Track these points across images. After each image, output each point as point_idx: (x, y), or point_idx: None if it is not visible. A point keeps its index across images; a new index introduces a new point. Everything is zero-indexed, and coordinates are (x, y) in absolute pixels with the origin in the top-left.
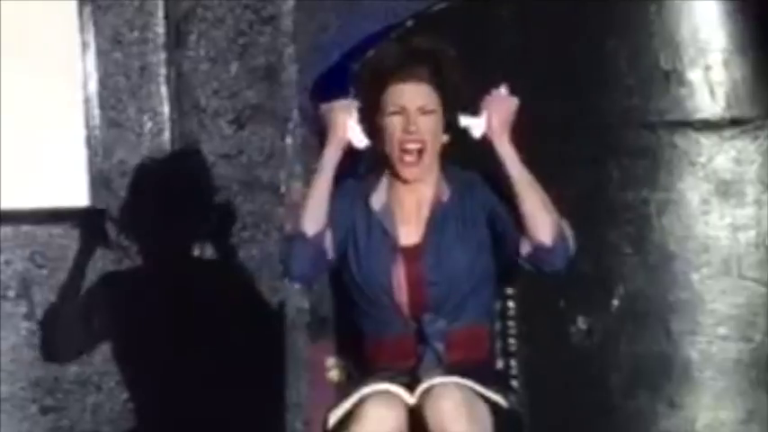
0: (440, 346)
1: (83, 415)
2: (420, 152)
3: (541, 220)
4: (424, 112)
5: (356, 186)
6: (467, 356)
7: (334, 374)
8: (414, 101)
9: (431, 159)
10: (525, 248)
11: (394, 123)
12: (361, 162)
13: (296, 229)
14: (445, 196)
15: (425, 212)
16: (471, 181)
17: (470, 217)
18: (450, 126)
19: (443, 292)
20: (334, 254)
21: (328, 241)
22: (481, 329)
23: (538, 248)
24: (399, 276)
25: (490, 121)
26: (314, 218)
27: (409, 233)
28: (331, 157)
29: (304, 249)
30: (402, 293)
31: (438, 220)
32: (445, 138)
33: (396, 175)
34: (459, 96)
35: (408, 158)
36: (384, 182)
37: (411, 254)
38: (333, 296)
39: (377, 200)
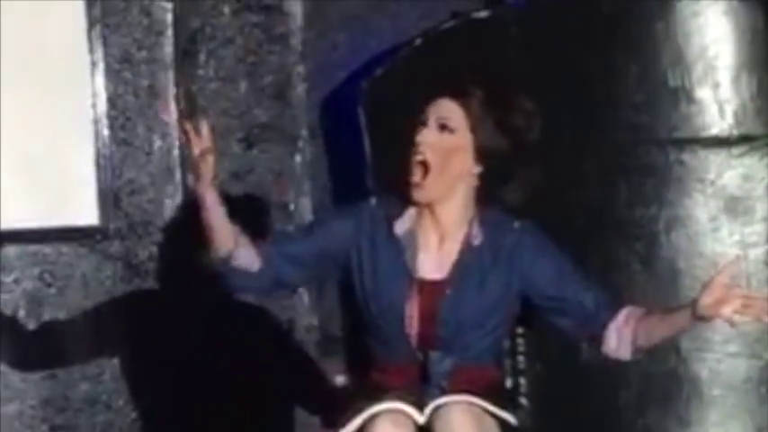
0: (444, 383)
1: None
2: (425, 169)
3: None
4: (440, 126)
5: (378, 208)
6: (472, 389)
7: (339, 379)
8: (436, 112)
9: (439, 182)
10: (608, 345)
11: (416, 135)
12: (368, 175)
13: (212, 255)
14: (477, 240)
15: (450, 248)
16: (504, 229)
17: (500, 266)
18: (484, 158)
19: (455, 332)
20: (267, 263)
21: (245, 257)
22: (489, 367)
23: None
24: (413, 308)
25: None
26: (217, 242)
27: (430, 267)
28: (204, 191)
29: (225, 268)
30: (413, 326)
31: (465, 263)
32: (476, 169)
33: (428, 219)
34: (490, 132)
35: (413, 177)
36: (411, 210)
37: (429, 289)
38: (342, 314)
39: (400, 226)
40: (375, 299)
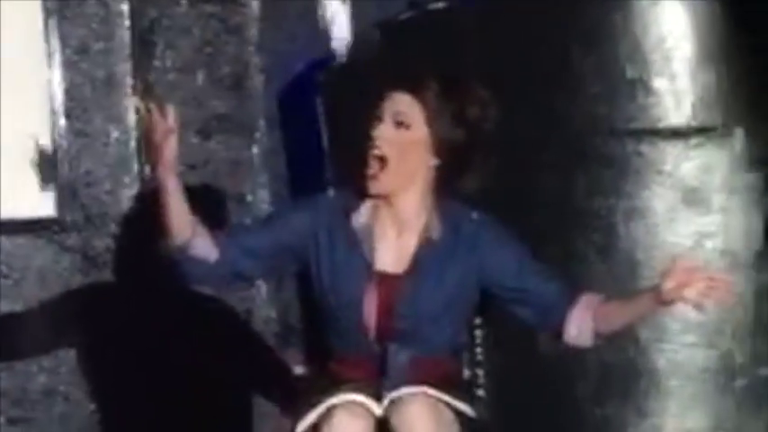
0: (402, 375)
1: (50, 426)
2: (382, 162)
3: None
4: (397, 122)
5: (336, 200)
6: (429, 382)
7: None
8: (392, 107)
9: (396, 176)
10: (568, 332)
11: (372, 130)
12: (327, 167)
13: (169, 243)
14: (435, 233)
15: (408, 242)
16: (461, 221)
17: (453, 258)
18: (441, 151)
19: (413, 326)
20: (224, 255)
21: (203, 247)
22: (446, 360)
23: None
24: (371, 301)
25: None
26: (175, 229)
27: (388, 260)
28: (165, 176)
29: (181, 257)
30: (371, 318)
31: (424, 257)
32: (432, 161)
33: (384, 211)
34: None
35: (370, 170)
36: (369, 203)
37: (387, 282)
38: (301, 306)
39: (357, 219)
40: (333, 292)
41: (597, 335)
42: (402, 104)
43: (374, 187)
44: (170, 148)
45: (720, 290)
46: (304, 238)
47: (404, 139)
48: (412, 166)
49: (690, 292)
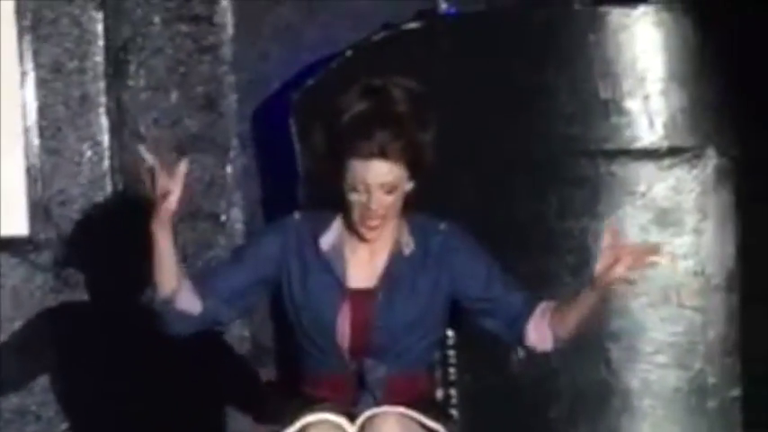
0: (378, 393)
1: None
2: (383, 218)
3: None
4: (387, 191)
5: (303, 223)
6: (404, 400)
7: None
8: (377, 179)
9: (390, 220)
10: (529, 340)
11: (355, 198)
12: (299, 186)
13: (157, 294)
14: (408, 249)
15: (380, 258)
16: (429, 232)
17: (424, 270)
18: (416, 175)
19: (388, 339)
20: (206, 306)
21: (187, 300)
22: (422, 376)
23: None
24: (345, 318)
25: None
26: (163, 282)
27: (360, 277)
28: (157, 231)
29: (166, 310)
30: (345, 337)
31: (395, 271)
32: (409, 186)
33: (350, 228)
34: (424, 150)
35: (371, 224)
36: (336, 225)
37: (360, 298)
38: (274, 325)
39: (326, 240)
40: (306, 314)
41: (557, 339)
42: (385, 173)
43: (371, 235)
44: (168, 206)
45: (645, 255)
46: (276, 266)
47: (396, 196)
48: (399, 206)
49: (619, 269)
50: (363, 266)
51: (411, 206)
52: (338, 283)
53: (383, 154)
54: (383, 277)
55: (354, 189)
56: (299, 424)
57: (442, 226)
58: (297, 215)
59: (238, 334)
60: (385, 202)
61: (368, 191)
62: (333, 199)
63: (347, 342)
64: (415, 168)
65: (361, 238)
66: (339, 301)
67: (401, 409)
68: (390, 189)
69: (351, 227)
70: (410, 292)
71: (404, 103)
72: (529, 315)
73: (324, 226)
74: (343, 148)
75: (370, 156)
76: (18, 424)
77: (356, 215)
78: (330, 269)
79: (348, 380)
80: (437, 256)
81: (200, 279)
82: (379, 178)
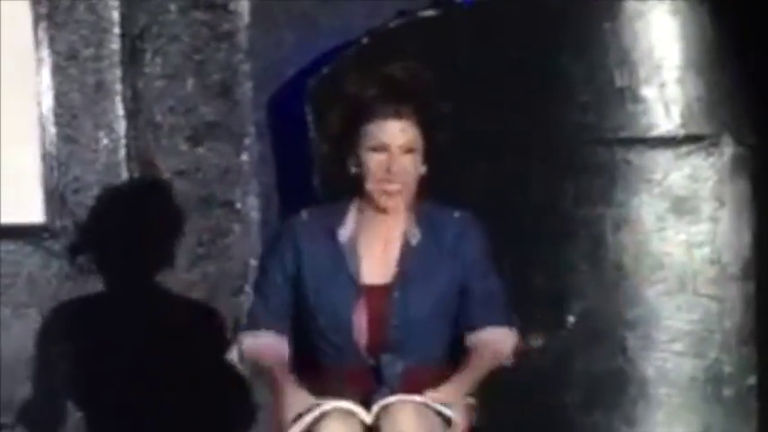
0: (395, 387)
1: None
2: (404, 185)
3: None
4: (406, 150)
5: (313, 220)
6: (422, 391)
7: None
8: (397, 139)
9: (410, 194)
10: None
11: (375, 159)
12: (316, 175)
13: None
14: (415, 239)
15: (393, 252)
16: (443, 222)
17: (439, 262)
18: (428, 157)
19: (405, 334)
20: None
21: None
22: (439, 367)
23: None
24: (361, 315)
25: None
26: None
27: (374, 272)
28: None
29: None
30: (362, 332)
31: (406, 263)
32: (423, 169)
33: (371, 206)
34: (439, 128)
35: (390, 189)
36: (352, 213)
37: (375, 294)
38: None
39: (343, 233)
40: (322, 310)
41: None
42: (405, 134)
43: (393, 203)
44: None
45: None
46: (295, 266)
47: (415, 162)
48: (415, 182)
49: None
50: (377, 261)
51: (423, 194)
52: (353, 280)
53: (398, 114)
54: (397, 273)
55: (374, 150)
56: (317, 411)
57: (457, 214)
58: (304, 214)
59: None
60: (404, 164)
61: (389, 152)
62: (348, 187)
63: (364, 339)
64: (427, 134)
65: (377, 211)
66: (354, 299)
67: (417, 398)
68: (408, 149)
69: (367, 209)
70: (425, 287)
71: (415, 76)
72: (474, 329)
73: (339, 218)
74: (359, 115)
75: (387, 117)
76: (33, 411)
77: (374, 181)
78: (344, 266)
79: (365, 375)
80: (453, 246)
81: (269, 322)
82: (397, 138)
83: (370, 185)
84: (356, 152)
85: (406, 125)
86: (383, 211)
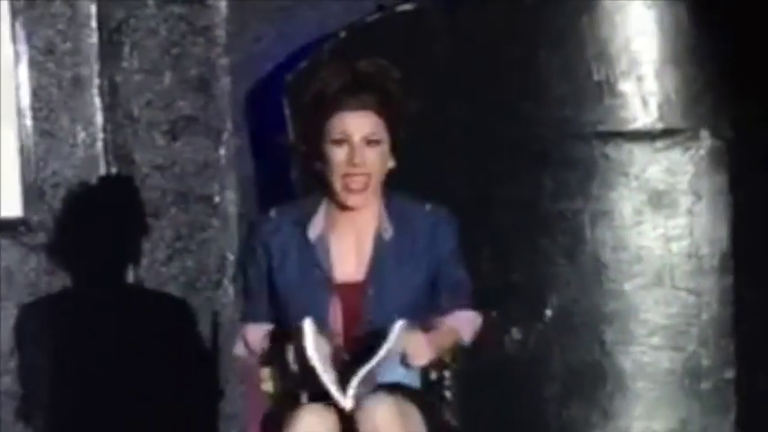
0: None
1: (13, 427)
2: (367, 179)
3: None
4: (369, 142)
5: (283, 217)
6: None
7: (268, 385)
8: (360, 130)
9: (375, 188)
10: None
11: (338, 153)
12: (292, 168)
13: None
14: (387, 234)
15: (365, 247)
16: (415, 216)
17: (412, 256)
18: (396, 151)
19: (381, 329)
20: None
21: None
22: None
23: None
24: (336, 314)
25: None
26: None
27: (347, 270)
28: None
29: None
30: (337, 330)
31: (379, 259)
32: (391, 164)
33: (337, 203)
34: (405, 123)
35: (354, 185)
36: (322, 209)
37: (349, 292)
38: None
39: (313, 230)
40: (295, 310)
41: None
42: (368, 125)
43: (358, 201)
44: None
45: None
46: (267, 268)
47: (380, 154)
48: (382, 177)
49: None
50: (350, 257)
51: (391, 187)
52: (326, 278)
53: (361, 104)
54: (370, 270)
55: (337, 143)
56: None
57: (428, 207)
58: (273, 212)
59: (232, 315)
60: (367, 157)
61: (350, 144)
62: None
63: (340, 337)
64: (393, 127)
65: (345, 208)
66: (328, 297)
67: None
68: (371, 141)
69: (336, 205)
70: (399, 282)
71: (382, 70)
72: (443, 315)
73: (309, 213)
74: (324, 108)
75: (349, 108)
76: (12, 404)
77: (339, 178)
78: (317, 263)
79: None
80: (426, 240)
81: (265, 312)
82: (360, 129)
83: (333, 180)
84: (321, 148)
85: (370, 116)
86: (350, 209)
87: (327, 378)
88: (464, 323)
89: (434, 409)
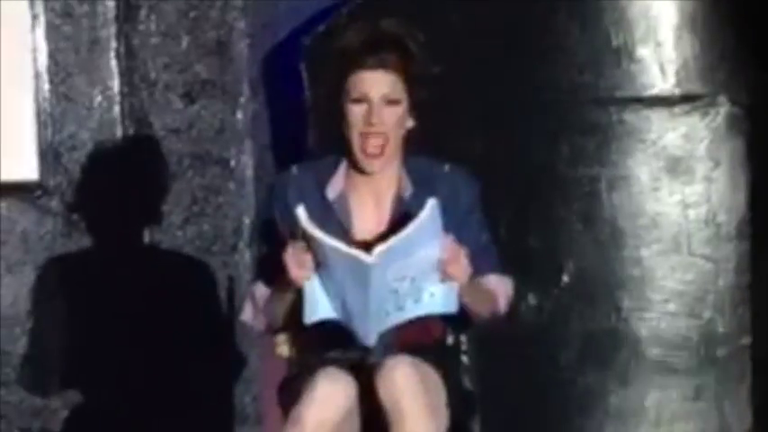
0: (390, 344)
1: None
2: (385, 141)
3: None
4: (388, 101)
5: (303, 175)
6: (417, 346)
7: (283, 349)
8: (378, 89)
9: (393, 150)
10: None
11: (356, 112)
12: (311, 133)
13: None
14: (407, 192)
15: (385, 207)
16: (435, 177)
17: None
18: (416, 111)
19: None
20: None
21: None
22: (433, 322)
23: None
24: None
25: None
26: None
27: (367, 228)
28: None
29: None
30: None
31: (399, 217)
32: (410, 123)
33: (355, 166)
34: (426, 83)
35: (371, 150)
36: (341, 169)
37: (369, 250)
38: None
39: (332, 189)
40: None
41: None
42: (387, 84)
43: (376, 166)
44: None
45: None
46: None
47: (398, 115)
48: (400, 137)
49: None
50: (370, 216)
51: (412, 148)
52: (345, 234)
53: (381, 63)
54: (390, 228)
55: (356, 102)
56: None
57: (447, 167)
58: (294, 169)
59: (248, 279)
60: (385, 117)
61: (369, 103)
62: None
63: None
64: (413, 87)
65: (364, 172)
66: None
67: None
68: (390, 100)
69: (355, 165)
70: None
71: (404, 29)
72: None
73: (329, 172)
74: (345, 67)
75: (369, 66)
76: (24, 368)
77: (356, 137)
78: (336, 220)
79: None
80: (445, 201)
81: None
82: (379, 88)
83: (352, 139)
84: (342, 107)
85: (390, 75)
86: (367, 173)
87: (338, 242)
88: (500, 287)
89: (452, 373)
